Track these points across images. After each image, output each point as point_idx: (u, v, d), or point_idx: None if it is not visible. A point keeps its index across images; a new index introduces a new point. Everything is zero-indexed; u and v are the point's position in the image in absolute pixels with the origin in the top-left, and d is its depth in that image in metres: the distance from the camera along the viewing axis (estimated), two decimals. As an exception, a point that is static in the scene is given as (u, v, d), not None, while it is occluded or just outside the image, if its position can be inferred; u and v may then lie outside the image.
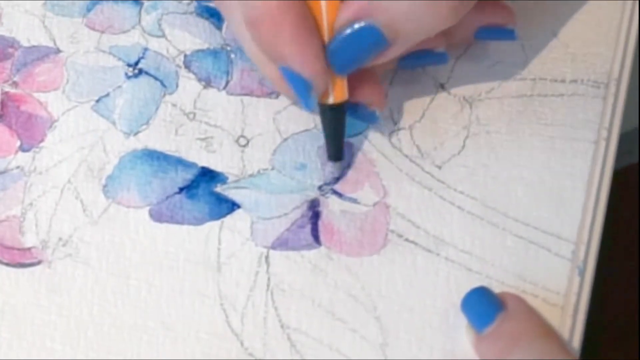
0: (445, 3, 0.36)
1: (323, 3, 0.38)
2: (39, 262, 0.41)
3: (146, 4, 0.46)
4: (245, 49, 0.41)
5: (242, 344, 0.40)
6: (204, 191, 0.42)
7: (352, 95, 0.40)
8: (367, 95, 0.41)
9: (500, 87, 0.44)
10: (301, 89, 0.38)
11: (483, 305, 0.39)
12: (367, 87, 0.41)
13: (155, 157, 0.43)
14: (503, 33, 0.42)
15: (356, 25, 0.37)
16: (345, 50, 0.38)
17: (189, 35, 0.45)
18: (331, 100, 0.40)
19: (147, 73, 0.44)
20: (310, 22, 0.38)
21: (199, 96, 0.44)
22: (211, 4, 0.45)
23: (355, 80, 0.40)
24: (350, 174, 0.42)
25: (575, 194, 0.42)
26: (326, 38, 0.38)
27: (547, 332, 0.38)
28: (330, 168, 0.42)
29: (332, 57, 0.38)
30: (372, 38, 0.37)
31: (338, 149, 0.42)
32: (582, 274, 0.40)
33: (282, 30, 0.37)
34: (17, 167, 0.43)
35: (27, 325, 0.40)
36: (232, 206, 0.42)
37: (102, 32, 0.45)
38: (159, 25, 0.45)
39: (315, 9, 0.38)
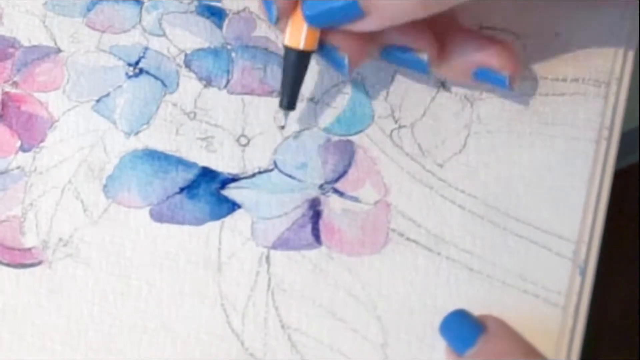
0: None
1: None
2: (39, 263, 0.41)
3: (147, 3, 0.46)
4: None
5: (242, 344, 0.40)
6: (204, 191, 0.42)
7: (329, 38, 0.40)
8: (344, 43, 0.40)
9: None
10: (266, 1, 0.39)
11: (463, 328, 0.38)
12: (348, 37, 0.40)
13: (156, 157, 0.43)
14: (496, 79, 0.41)
15: None
16: (318, 5, 0.38)
17: (190, 35, 0.45)
18: (295, 44, 0.40)
19: (147, 72, 0.44)
20: None
21: (200, 95, 0.44)
22: (212, 3, 0.45)
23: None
24: (352, 172, 0.42)
25: (576, 194, 0.42)
26: None
27: (530, 351, 0.38)
28: (332, 167, 0.42)
29: (306, 7, 0.38)
30: (346, 5, 0.37)
31: (293, 97, 0.41)
32: (583, 273, 0.40)
33: None
34: (18, 167, 0.43)
35: (28, 325, 0.40)
36: (233, 206, 0.42)
37: (103, 31, 0.45)
38: (160, 24, 0.45)
39: None
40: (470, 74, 0.41)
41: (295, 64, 0.40)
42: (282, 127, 0.43)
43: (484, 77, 0.41)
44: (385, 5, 0.37)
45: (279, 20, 0.40)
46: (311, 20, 0.39)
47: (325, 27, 0.39)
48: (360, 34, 0.39)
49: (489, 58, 0.41)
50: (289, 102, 0.41)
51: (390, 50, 0.41)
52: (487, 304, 0.40)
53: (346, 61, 0.40)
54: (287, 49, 0.40)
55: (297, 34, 0.39)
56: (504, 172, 0.42)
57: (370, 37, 0.40)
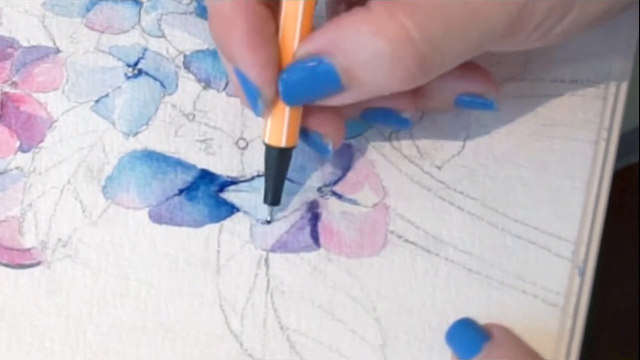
0: (405, 67, 0.35)
1: (289, 26, 0.37)
2: (38, 263, 0.41)
3: (146, 4, 0.46)
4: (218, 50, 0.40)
5: (241, 345, 0.40)
6: (203, 193, 0.42)
7: (309, 123, 0.39)
8: (325, 126, 0.40)
9: (500, 88, 0.44)
10: (250, 93, 0.38)
11: (469, 336, 0.39)
12: (327, 118, 0.40)
13: (155, 158, 0.43)
14: (482, 104, 0.41)
15: (314, 60, 0.36)
16: (297, 82, 0.37)
17: (189, 36, 0.45)
18: (277, 143, 0.39)
19: (146, 73, 0.44)
20: (266, 29, 0.37)
21: (199, 97, 0.44)
22: (211, 4, 0.45)
23: (317, 109, 0.39)
24: (350, 175, 0.42)
25: (575, 194, 0.42)
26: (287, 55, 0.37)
27: (535, 359, 0.38)
28: (330, 169, 0.42)
29: (282, 86, 0.37)
30: (327, 77, 0.36)
31: (277, 193, 0.41)
32: (582, 274, 0.40)
33: (234, 31, 0.36)
34: (17, 168, 0.43)
35: (27, 326, 0.40)
36: (232, 209, 0.42)
37: (102, 32, 0.45)
38: (159, 25, 0.45)
39: (283, 27, 0.37)
40: (452, 102, 0.41)
41: (277, 162, 0.40)
42: (268, 222, 0.41)
43: (466, 104, 0.41)
44: (368, 80, 0.36)
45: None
46: (287, 99, 0.38)
47: (302, 102, 0.38)
48: (338, 108, 0.39)
49: (473, 85, 0.40)
50: (273, 199, 0.41)
51: (371, 113, 0.41)
52: (486, 304, 0.40)
53: (330, 147, 0.40)
54: (268, 147, 0.39)
55: (278, 131, 0.39)
56: (503, 174, 0.42)
57: (349, 107, 0.39)
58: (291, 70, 0.37)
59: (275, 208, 0.41)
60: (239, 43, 0.36)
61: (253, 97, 0.38)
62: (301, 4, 0.37)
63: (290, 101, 0.38)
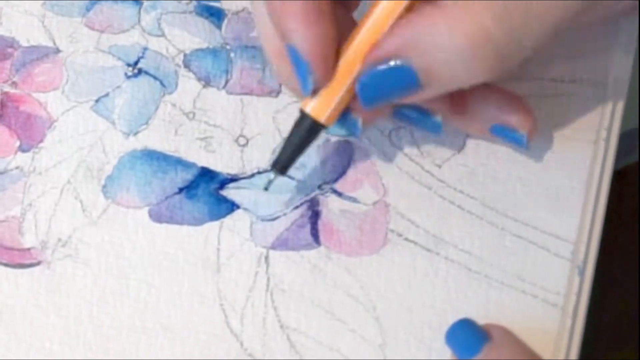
0: (485, 61, 0.35)
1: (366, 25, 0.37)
2: (38, 263, 0.41)
3: (145, 3, 0.46)
4: (256, 18, 0.39)
5: (241, 344, 0.40)
6: (203, 191, 0.42)
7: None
8: (357, 102, 0.39)
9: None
10: (301, 71, 0.37)
11: (468, 337, 0.39)
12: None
13: (155, 157, 0.43)
14: (514, 138, 0.40)
15: (392, 63, 0.36)
16: (374, 85, 0.37)
17: (189, 35, 0.45)
18: (318, 116, 0.38)
19: (146, 73, 0.44)
20: (323, 5, 0.36)
21: (199, 96, 0.44)
22: (211, 3, 0.45)
23: None
24: (350, 172, 0.42)
25: (575, 194, 0.42)
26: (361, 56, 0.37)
27: (534, 359, 0.38)
28: (330, 167, 0.42)
29: (361, 90, 0.37)
30: (406, 79, 0.36)
31: (289, 163, 0.40)
32: (581, 274, 0.40)
33: (290, 4, 0.36)
34: (17, 168, 0.43)
35: (26, 325, 0.40)
36: (232, 206, 0.42)
37: (102, 31, 0.45)
38: (159, 24, 0.45)
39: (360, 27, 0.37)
40: (487, 129, 0.41)
41: (308, 134, 0.39)
42: (266, 189, 0.41)
43: (500, 134, 0.41)
44: (447, 76, 0.36)
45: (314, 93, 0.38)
46: (367, 102, 0.37)
47: (380, 104, 0.38)
48: None
49: (508, 116, 0.40)
50: (283, 168, 0.40)
51: (403, 110, 0.40)
52: (485, 304, 0.40)
53: (359, 124, 0.39)
54: (306, 117, 0.39)
55: (325, 106, 0.38)
56: (503, 173, 0.42)
57: None
58: (368, 74, 0.37)
59: (275, 201, 0.41)
60: (294, 16, 0.36)
61: (304, 74, 0.37)
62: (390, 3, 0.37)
63: (368, 104, 0.38)
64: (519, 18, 0.34)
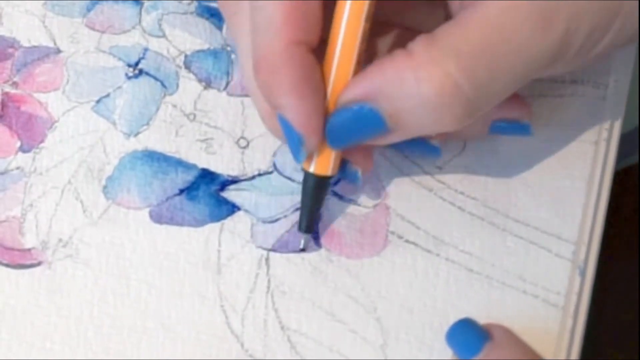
0: (452, 112, 0.34)
1: (333, 68, 0.37)
2: (39, 263, 0.41)
3: (146, 4, 0.46)
4: (245, 79, 0.39)
5: (242, 345, 0.40)
6: (204, 193, 0.42)
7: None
8: (354, 155, 0.39)
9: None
10: (293, 141, 0.37)
11: (469, 336, 0.39)
12: (357, 147, 0.39)
13: (156, 158, 0.43)
14: (518, 128, 0.40)
15: (359, 106, 0.36)
16: (343, 127, 0.37)
17: (190, 36, 0.45)
18: (322, 172, 0.39)
19: (147, 73, 0.44)
20: (314, 77, 0.36)
21: (199, 97, 0.44)
22: (212, 4, 0.45)
23: None
24: (351, 175, 0.42)
25: (576, 195, 0.42)
26: (329, 104, 0.37)
27: (535, 359, 0.38)
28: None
29: (329, 131, 0.37)
30: (373, 122, 0.36)
31: (311, 221, 0.40)
32: (582, 274, 0.40)
33: (282, 79, 0.36)
34: (17, 168, 0.43)
35: (27, 326, 0.40)
36: (232, 208, 0.42)
37: (103, 32, 0.45)
38: (160, 25, 0.45)
39: (326, 69, 0.37)
40: (485, 130, 0.41)
41: (319, 189, 0.39)
42: (302, 250, 0.41)
43: (502, 130, 0.40)
44: (414, 124, 0.36)
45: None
46: (334, 144, 0.37)
47: (348, 145, 0.38)
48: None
49: (508, 112, 0.40)
50: (308, 226, 0.40)
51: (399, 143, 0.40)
52: (486, 305, 0.40)
53: (359, 174, 0.40)
54: (311, 176, 0.39)
55: (325, 163, 0.38)
56: (503, 174, 0.42)
57: None
58: (337, 116, 0.37)
59: (275, 203, 0.41)
60: (286, 92, 0.36)
61: (296, 145, 0.37)
62: (356, 45, 0.37)
63: (336, 145, 0.38)
64: (485, 71, 0.34)
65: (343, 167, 0.39)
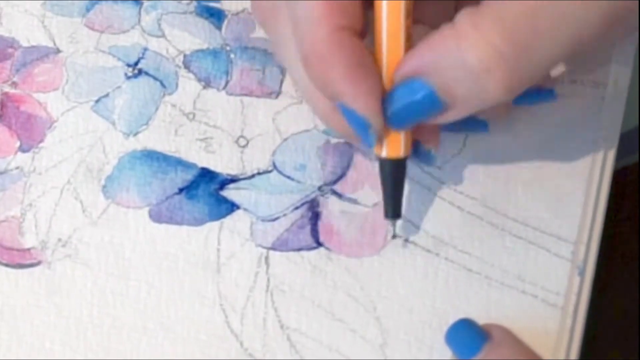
0: (497, 80, 0.34)
1: (384, 49, 0.37)
2: (38, 263, 0.41)
3: (146, 3, 0.46)
4: (297, 84, 0.39)
5: (241, 344, 0.40)
6: (203, 192, 0.42)
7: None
8: (423, 134, 0.39)
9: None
10: (360, 127, 0.37)
11: (468, 337, 0.39)
12: (424, 126, 0.39)
13: (155, 158, 0.43)
14: (542, 95, 0.40)
15: (411, 81, 0.36)
16: (400, 106, 0.36)
17: (189, 35, 0.45)
18: (395, 154, 0.38)
19: (146, 73, 0.44)
20: (366, 59, 0.36)
21: (199, 96, 0.44)
22: (211, 4, 0.45)
23: None
24: (350, 174, 0.42)
25: (575, 194, 0.42)
26: (386, 81, 0.37)
27: (534, 359, 0.38)
28: (331, 168, 0.42)
29: (387, 112, 0.37)
30: (426, 97, 0.36)
31: (397, 206, 0.40)
32: (582, 274, 0.40)
33: (334, 67, 0.35)
34: (17, 168, 0.43)
35: (27, 326, 0.40)
36: (232, 207, 0.42)
37: (102, 32, 0.45)
38: (159, 25, 0.45)
39: (377, 51, 0.37)
40: (510, 105, 0.40)
41: (397, 173, 0.39)
42: (394, 237, 0.41)
43: (528, 99, 0.40)
44: (465, 95, 0.35)
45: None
46: (395, 124, 0.37)
47: (410, 125, 0.38)
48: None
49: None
50: (394, 212, 0.40)
51: None
52: (485, 304, 0.40)
53: (433, 153, 0.40)
54: (387, 161, 0.39)
55: (396, 144, 0.38)
56: (503, 174, 0.42)
57: None
58: (393, 95, 0.36)
59: (275, 202, 0.41)
60: (342, 77, 0.35)
61: (364, 129, 0.37)
62: (402, 24, 0.36)
63: (398, 126, 0.37)
64: (527, 36, 0.34)
65: (416, 150, 0.39)
